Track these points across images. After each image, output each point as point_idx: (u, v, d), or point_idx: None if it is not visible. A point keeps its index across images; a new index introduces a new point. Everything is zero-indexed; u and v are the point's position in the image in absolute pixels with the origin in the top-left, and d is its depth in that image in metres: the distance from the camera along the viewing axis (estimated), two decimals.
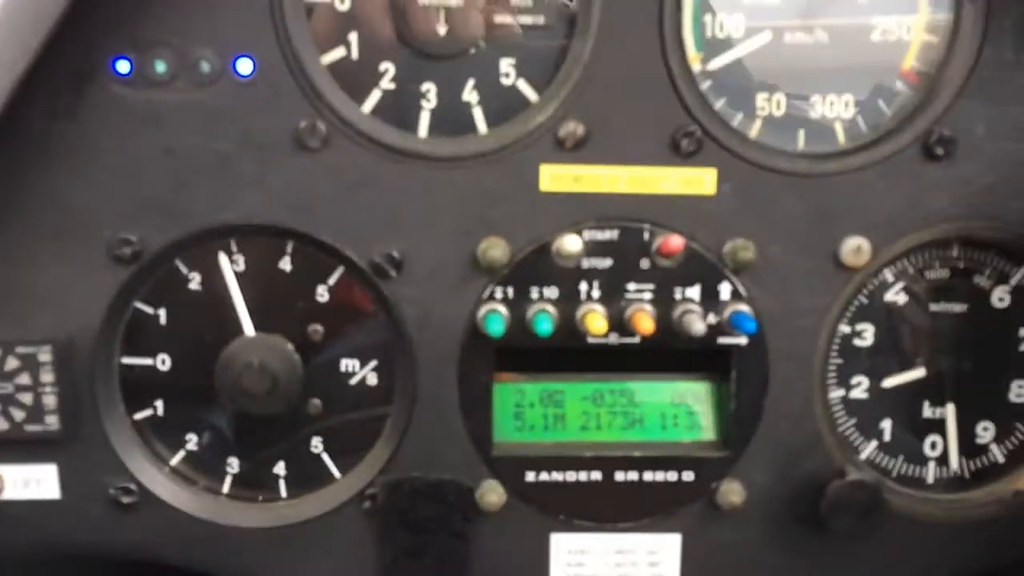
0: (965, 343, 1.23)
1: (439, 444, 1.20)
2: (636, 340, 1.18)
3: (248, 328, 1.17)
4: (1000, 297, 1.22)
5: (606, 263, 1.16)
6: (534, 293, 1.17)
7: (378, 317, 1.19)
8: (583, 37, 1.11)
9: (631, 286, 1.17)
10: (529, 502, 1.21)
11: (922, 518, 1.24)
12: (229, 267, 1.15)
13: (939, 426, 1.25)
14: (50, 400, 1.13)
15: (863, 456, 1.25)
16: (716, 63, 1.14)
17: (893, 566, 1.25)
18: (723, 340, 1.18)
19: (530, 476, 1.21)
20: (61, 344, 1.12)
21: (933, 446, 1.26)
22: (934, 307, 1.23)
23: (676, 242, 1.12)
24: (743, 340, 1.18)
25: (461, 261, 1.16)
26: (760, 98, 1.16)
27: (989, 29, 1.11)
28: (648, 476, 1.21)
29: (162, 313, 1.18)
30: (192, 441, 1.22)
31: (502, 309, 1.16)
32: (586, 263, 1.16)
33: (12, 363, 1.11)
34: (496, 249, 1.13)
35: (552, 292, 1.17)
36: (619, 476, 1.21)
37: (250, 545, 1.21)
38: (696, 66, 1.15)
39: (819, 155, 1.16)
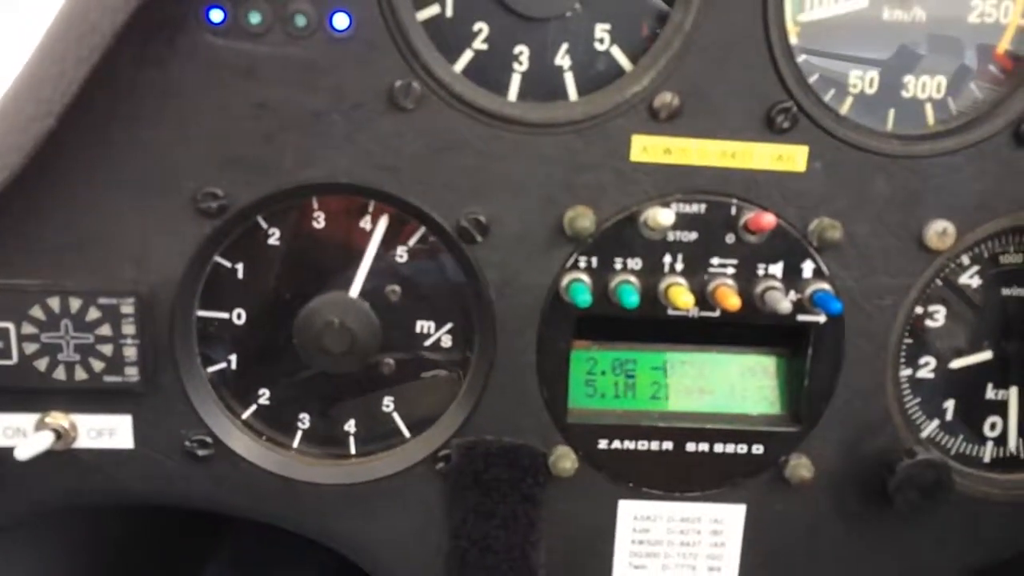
0: None
1: (514, 409, 1.20)
2: (716, 314, 1.18)
3: (355, 288, 1.16)
4: None
5: (691, 236, 1.16)
6: (618, 263, 1.16)
7: (457, 281, 1.19)
8: (685, 5, 1.09)
9: (715, 260, 1.17)
10: (600, 469, 1.23)
11: (981, 497, 1.27)
12: (377, 233, 1.17)
13: (1001, 408, 1.28)
14: (131, 352, 1.12)
15: (924, 434, 1.27)
16: (809, 16, 1.12)
17: (952, 543, 1.28)
18: (803, 317, 1.18)
19: (602, 444, 1.22)
20: (143, 296, 1.11)
21: (993, 427, 1.29)
22: (1005, 291, 1.24)
23: (768, 219, 1.11)
24: (822, 318, 1.18)
25: (546, 228, 1.15)
26: (854, 75, 1.15)
27: None
28: (719, 448, 1.22)
29: (240, 267, 1.17)
30: (264, 395, 1.22)
31: (585, 278, 1.16)
32: (671, 235, 1.16)
33: (93, 314, 1.10)
34: (584, 219, 1.13)
35: (636, 263, 1.16)
36: (690, 447, 1.22)
37: (322, 500, 1.22)
38: (794, 39, 1.13)
39: (911, 136, 1.16)
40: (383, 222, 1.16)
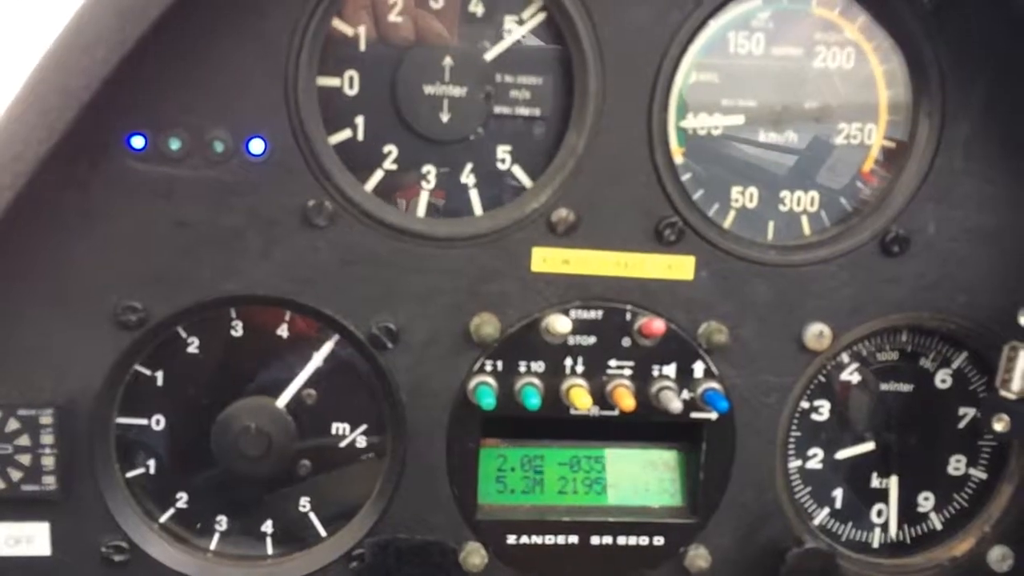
0: (910, 420, 1.34)
1: (425, 507, 1.26)
2: (615, 413, 1.26)
3: (284, 399, 1.22)
4: (943, 379, 1.34)
5: (590, 340, 1.24)
6: (522, 367, 1.24)
7: (371, 384, 1.24)
8: (578, 130, 1.19)
9: (612, 362, 1.25)
10: (510, 564, 1.28)
11: None
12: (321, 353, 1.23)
13: (885, 495, 1.36)
14: (48, 461, 1.15)
15: (816, 522, 1.35)
16: (691, 123, 1.22)
17: None
18: (695, 415, 1.26)
19: (511, 539, 1.27)
20: (62, 407, 1.14)
21: (879, 514, 1.37)
22: (884, 386, 1.34)
23: (658, 326, 1.20)
24: (714, 415, 1.27)
25: (454, 334, 1.22)
26: (735, 191, 1.26)
27: (942, 141, 1.23)
28: (621, 540, 1.28)
29: (159, 375, 1.22)
30: (182, 499, 1.25)
31: (491, 381, 1.23)
32: (572, 340, 1.24)
33: (12, 425, 1.13)
34: (488, 326, 1.20)
35: (539, 366, 1.24)
36: (594, 540, 1.28)
37: None
38: (678, 159, 1.24)
39: (788, 247, 1.26)
40: (328, 345, 1.23)
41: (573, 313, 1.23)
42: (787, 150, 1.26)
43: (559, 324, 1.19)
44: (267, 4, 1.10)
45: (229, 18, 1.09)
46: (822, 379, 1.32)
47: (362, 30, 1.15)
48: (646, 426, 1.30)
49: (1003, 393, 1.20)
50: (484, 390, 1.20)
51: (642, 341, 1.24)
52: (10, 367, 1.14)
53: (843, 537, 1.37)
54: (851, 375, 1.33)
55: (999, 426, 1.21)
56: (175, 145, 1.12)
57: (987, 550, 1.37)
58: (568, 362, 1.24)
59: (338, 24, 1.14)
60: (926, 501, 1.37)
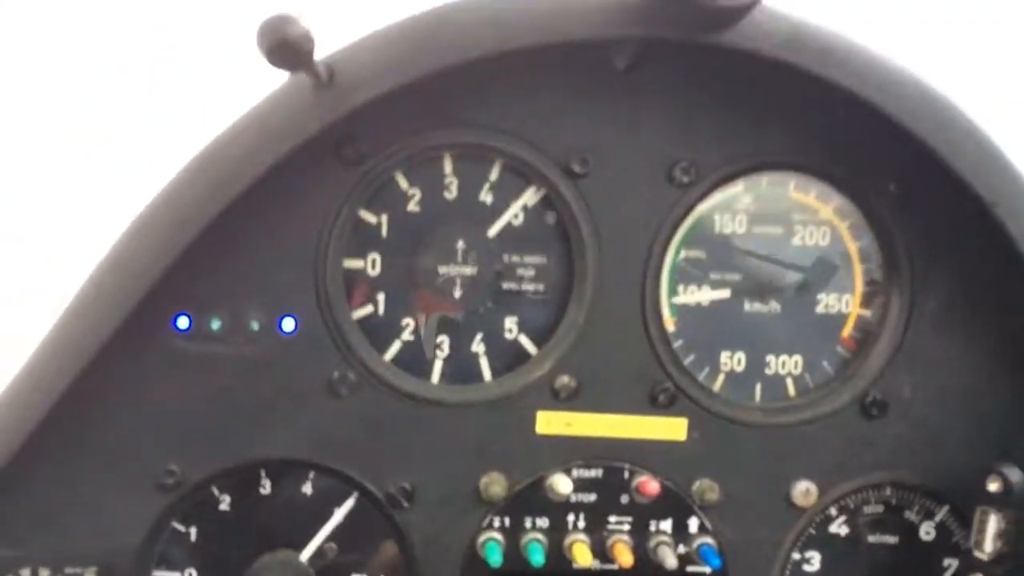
0: (897, 570, 1.41)
1: None
2: (615, 567, 1.34)
3: (307, 553, 1.31)
4: (927, 531, 1.41)
5: (591, 497, 1.34)
6: (528, 523, 1.33)
7: (387, 539, 1.34)
8: (578, 304, 1.31)
9: (612, 518, 1.34)
10: None
11: None
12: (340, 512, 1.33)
13: None
14: None
15: None
16: (683, 299, 1.34)
17: None
18: (691, 568, 1.35)
19: None
20: (105, 565, 1.25)
21: None
22: (871, 538, 1.41)
23: (653, 487, 1.30)
24: (708, 569, 1.35)
25: (465, 493, 1.32)
26: (724, 355, 1.37)
27: (912, 314, 1.34)
28: None
29: (193, 531, 1.32)
30: None
31: (499, 536, 1.32)
32: (574, 497, 1.33)
33: None
34: (497, 485, 1.30)
35: (543, 522, 1.33)
36: None
37: None
38: (670, 327, 1.35)
39: (773, 408, 1.36)
40: (349, 502, 1.32)
41: (575, 472, 1.33)
42: (793, 267, 1.35)
43: (561, 485, 1.29)
44: (300, 198, 1.24)
45: (266, 211, 1.23)
46: (812, 531, 1.40)
47: (384, 218, 1.30)
48: None
49: (976, 554, 1.28)
50: (492, 547, 1.30)
51: (639, 498, 1.33)
52: (55, 523, 1.25)
53: None
54: (839, 528, 1.41)
55: None
56: (215, 325, 1.25)
57: None
58: (571, 518, 1.34)
59: (364, 214, 1.29)
60: None
